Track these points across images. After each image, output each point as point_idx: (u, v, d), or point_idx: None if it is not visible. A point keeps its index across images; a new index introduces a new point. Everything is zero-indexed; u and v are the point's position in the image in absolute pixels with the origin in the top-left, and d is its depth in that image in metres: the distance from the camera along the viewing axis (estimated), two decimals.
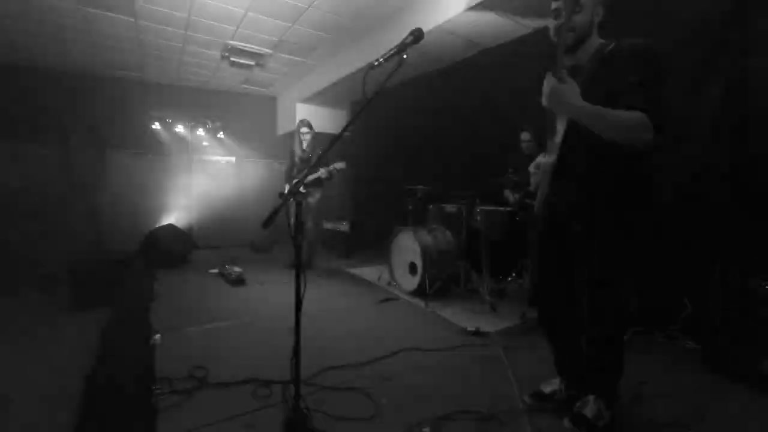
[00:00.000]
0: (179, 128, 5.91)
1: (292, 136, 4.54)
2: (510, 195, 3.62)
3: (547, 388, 1.78)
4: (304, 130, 4.28)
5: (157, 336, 2.38)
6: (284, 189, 4.34)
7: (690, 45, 2.41)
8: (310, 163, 4.26)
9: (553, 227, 1.62)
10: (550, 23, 1.46)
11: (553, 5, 1.45)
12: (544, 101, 1.37)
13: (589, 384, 1.62)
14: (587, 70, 1.42)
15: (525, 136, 3.47)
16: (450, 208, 3.66)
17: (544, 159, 1.58)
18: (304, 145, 4.31)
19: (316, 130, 4.46)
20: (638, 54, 1.33)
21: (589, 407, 1.55)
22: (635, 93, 1.27)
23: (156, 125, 5.74)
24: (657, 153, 1.41)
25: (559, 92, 1.31)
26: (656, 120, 1.25)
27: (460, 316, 2.93)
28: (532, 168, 1.71)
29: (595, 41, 1.46)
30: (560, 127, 1.49)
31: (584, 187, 1.47)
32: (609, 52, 1.39)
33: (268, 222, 1.34)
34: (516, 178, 3.49)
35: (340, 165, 4.03)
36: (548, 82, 1.34)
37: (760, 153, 2.24)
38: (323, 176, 4.12)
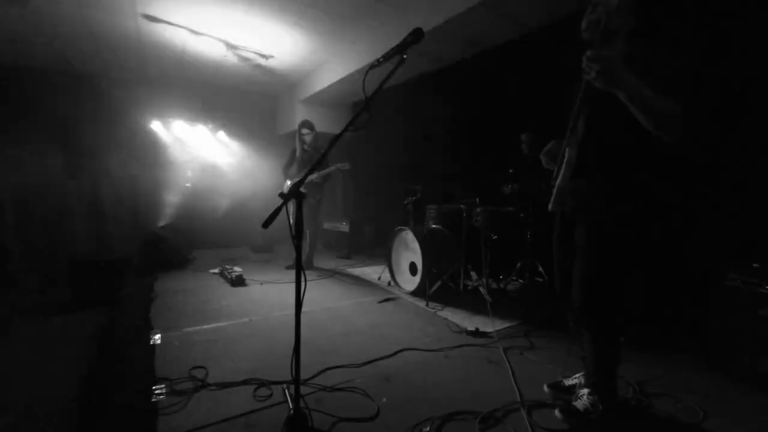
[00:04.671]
0: (179, 128, 5.90)
1: (294, 135, 4.55)
2: (507, 189, 3.62)
3: (568, 381, 1.80)
4: (305, 131, 4.29)
5: (157, 336, 2.38)
6: (284, 188, 4.34)
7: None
8: (311, 164, 4.26)
9: (564, 223, 1.65)
10: (585, 18, 1.47)
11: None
12: (593, 73, 1.26)
13: (586, 377, 1.67)
14: None
15: (525, 136, 3.47)
16: (450, 208, 3.66)
17: (559, 148, 1.58)
18: (306, 146, 4.33)
19: (317, 131, 4.46)
20: (668, 54, 1.34)
21: (582, 400, 1.59)
22: (669, 88, 1.26)
23: (156, 125, 5.73)
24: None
25: (612, 60, 1.24)
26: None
27: (460, 316, 2.93)
28: (543, 158, 1.72)
29: (619, 44, 1.45)
30: (582, 122, 1.50)
31: (596, 183, 1.49)
32: (633, 53, 1.38)
33: (268, 222, 1.35)
34: (515, 179, 3.49)
35: (344, 166, 4.05)
36: (596, 54, 1.25)
37: (760, 153, 2.24)
38: (315, 180, 4.14)
